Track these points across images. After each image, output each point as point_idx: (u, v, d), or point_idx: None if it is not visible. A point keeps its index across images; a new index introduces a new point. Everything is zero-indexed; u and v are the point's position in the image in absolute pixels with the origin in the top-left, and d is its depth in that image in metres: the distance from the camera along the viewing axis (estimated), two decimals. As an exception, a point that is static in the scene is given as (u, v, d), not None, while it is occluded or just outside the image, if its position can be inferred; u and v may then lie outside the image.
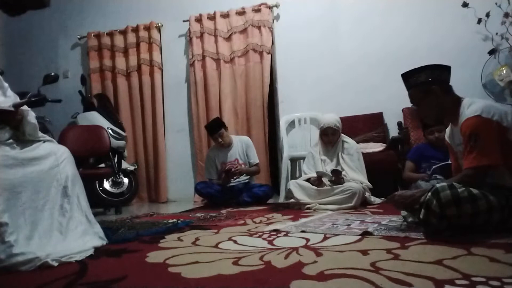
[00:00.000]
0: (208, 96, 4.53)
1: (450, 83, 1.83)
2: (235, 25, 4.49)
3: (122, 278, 1.22)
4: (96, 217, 1.84)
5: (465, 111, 1.71)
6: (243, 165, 3.68)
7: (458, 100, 1.78)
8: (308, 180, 3.09)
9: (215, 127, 3.63)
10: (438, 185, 1.58)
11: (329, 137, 3.18)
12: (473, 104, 1.70)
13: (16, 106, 1.71)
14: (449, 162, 2.67)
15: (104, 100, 4.41)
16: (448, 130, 1.97)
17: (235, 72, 4.49)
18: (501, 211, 1.55)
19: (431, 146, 3.01)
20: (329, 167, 3.15)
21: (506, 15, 3.63)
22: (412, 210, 1.77)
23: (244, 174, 3.67)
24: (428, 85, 1.78)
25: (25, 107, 1.78)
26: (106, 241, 1.77)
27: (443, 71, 1.82)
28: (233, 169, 3.58)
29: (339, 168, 3.09)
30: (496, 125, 1.62)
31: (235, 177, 3.61)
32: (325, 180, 3.01)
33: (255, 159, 3.70)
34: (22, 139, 1.75)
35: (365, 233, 1.72)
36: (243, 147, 3.71)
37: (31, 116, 1.78)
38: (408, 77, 1.85)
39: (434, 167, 2.79)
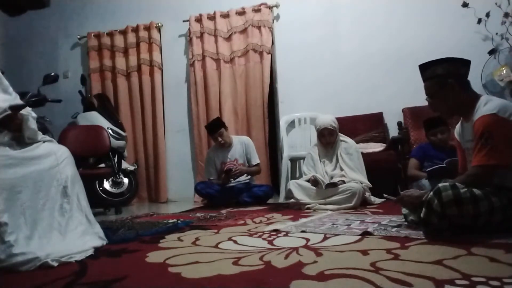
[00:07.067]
0: (208, 96, 4.53)
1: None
2: (235, 25, 4.49)
3: (122, 278, 1.22)
4: (96, 217, 1.84)
5: (481, 108, 1.67)
6: (242, 166, 3.68)
7: (475, 96, 1.75)
8: (307, 180, 3.09)
9: (215, 126, 3.64)
10: (440, 184, 1.57)
11: (326, 138, 3.18)
12: (490, 101, 1.67)
13: (15, 109, 1.68)
14: (444, 164, 2.69)
15: (104, 100, 4.41)
16: (458, 126, 1.92)
17: (235, 72, 4.49)
18: (503, 212, 1.54)
19: (433, 147, 3.03)
20: (328, 168, 3.15)
21: (506, 15, 3.63)
22: (417, 209, 1.75)
23: (245, 175, 3.66)
24: (445, 78, 1.74)
25: (25, 111, 1.75)
26: (106, 241, 1.77)
27: (461, 65, 1.78)
28: (233, 170, 3.58)
29: (338, 169, 3.09)
30: None
31: (235, 177, 3.60)
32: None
33: (255, 159, 3.70)
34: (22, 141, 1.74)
35: (365, 233, 1.72)
36: (243, 147, 3.71)
37: (31, 121, 1.76)
38: (425, 69, 1.81)
39: (427, 170, 2.79)
